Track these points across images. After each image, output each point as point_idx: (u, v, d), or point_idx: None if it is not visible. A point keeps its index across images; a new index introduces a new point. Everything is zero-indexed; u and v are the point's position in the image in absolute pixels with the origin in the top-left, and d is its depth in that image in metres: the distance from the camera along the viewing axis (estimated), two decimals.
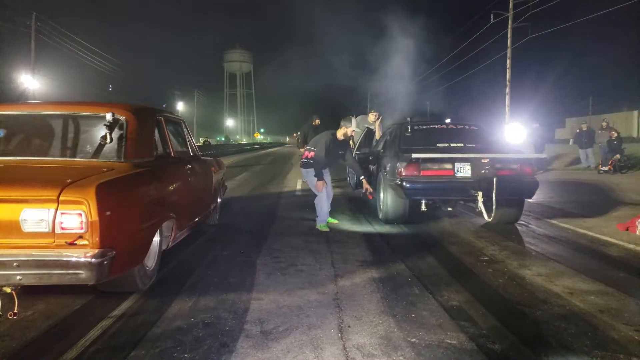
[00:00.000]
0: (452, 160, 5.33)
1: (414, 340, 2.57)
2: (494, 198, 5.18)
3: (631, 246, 4.81)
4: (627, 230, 5.44)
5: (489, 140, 6.26)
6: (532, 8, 21.42)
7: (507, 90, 23.44)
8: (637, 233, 5.28)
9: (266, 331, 2.68)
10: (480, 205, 5.38)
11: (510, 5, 23.00)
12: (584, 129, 15.99)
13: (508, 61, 23.33)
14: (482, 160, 5.23)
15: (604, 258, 4.41)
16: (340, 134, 5.76)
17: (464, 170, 5.32)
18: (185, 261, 4.23)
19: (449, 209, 6.14)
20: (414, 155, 5.17)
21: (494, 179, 5.15)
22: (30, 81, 27.39)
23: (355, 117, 7.82)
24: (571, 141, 25.70)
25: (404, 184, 5.28)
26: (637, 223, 5.38)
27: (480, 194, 5.28)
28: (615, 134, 14.99)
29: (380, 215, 6.18)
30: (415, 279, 3.70)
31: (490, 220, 5.54)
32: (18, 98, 25.89)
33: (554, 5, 19.88)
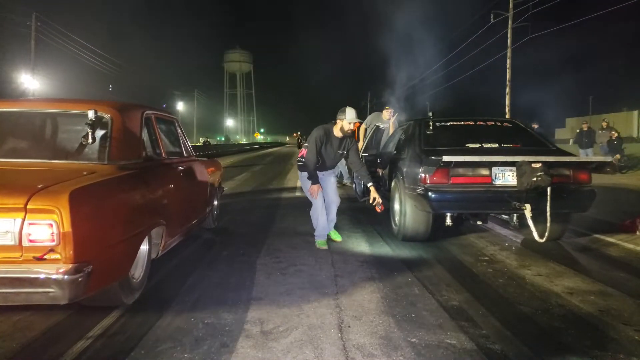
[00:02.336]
0: (489, 165, 4.34)
1: (414, 340, 2.57)
2: (547, 212, 4.21)
3: (631, 246, 4.81)
4: (627, 230, 5.44)
5: (529, 139, 5.19)
6: (532, 8, 21.44)
7: (507, 90, 23.48)
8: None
9: (266, 331, 2.68)
10: (529, 221, 4.32)
11: (510, 5, 23.03)
12: (585, 129, 15.99)
13: (508, 61, 23.37)
14: (533, 165, 4.14)
15: (603, 258, 4.41)
16: (336, 130, 4.71)
17: (503, 177, 4.34)
18: (185, 261, 4.23)
19: (479, 222, 5.04)
20: (446, 159, 4.03)
21: (549, 189, 4.16)
22: (30, 81, 27.43)
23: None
24: (571, 141, 25.71)
25: (430, 194, 4.28)
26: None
27: (528, 207, 4.25)
28: (616, 134, 15.00)
29: (396, 231, 5.23)
30: (415, 279, 3.70)
31: (542, 240, 4.38)
32: (19, 98, 25.90)
33: (554, 5, 19.89)
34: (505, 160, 4.34)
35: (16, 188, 2.38)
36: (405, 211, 4.82)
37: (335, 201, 4.94)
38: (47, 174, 2.70)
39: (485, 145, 4.90)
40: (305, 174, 4.74)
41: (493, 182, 4.37)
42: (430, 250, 4.66)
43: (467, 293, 3.37)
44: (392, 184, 5.48)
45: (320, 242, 4.79)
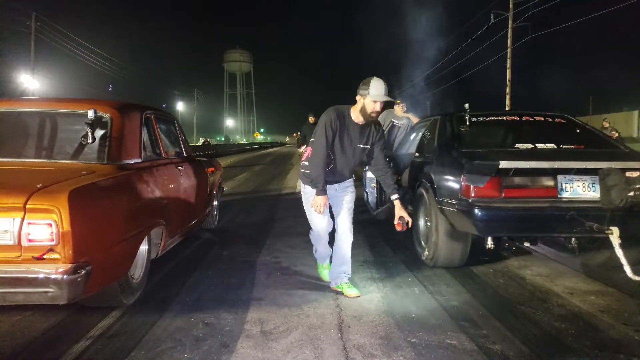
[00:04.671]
0: (554, 173, 3.38)
1: (414, 340, 2.57)
2: None
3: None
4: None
5: (593, 139, 4.16)
6: (532, 8, 21.47)
7: (508, 90, 23.49)
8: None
9: (266, 331, 2.68)
10: (618, 250, 3.16)
11: (511, 5, 23.05)
12: None
13: (508, 61, 23.39)
14: (628, 175, 3.19)
15: (604, 258, 4.40)
16: (355, 113, 3.17)
17: (571, 189, 3.38)
18: (185, 261, 4.23)
19: (527, 244, 4.03)
20: (504, 165, 3.16)
21: None
22: (30, 81, 27.46)
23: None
24: None
25: (477, 211, 3.29)
26: None
27: (615, 230, 3.14)
28: (617, 134, 15.00)
29: (423, 256, 4.17)
30: (415, 279, 3.70)
31: (638, 278, 3.19)
32: (18, 97, 25.94)
33: (554, 5, 19.91)
34: (585, 167, 3.32)
35: (15, 188, 2.37)
36: (438, 232, 3.83)
37: (346, 232, 3.38)
38: (47, 174, 2.69)
39: (540, 146, 3.88)
40: (309, 187, 3.30)
41: (559, 196, 3.38)
42: None
43: (467, 293, 3.37)
44: (417, 195, 4.39)
45: (320, 269, 3.65)
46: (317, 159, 3.14)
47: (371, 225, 5.93)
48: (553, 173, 3.39)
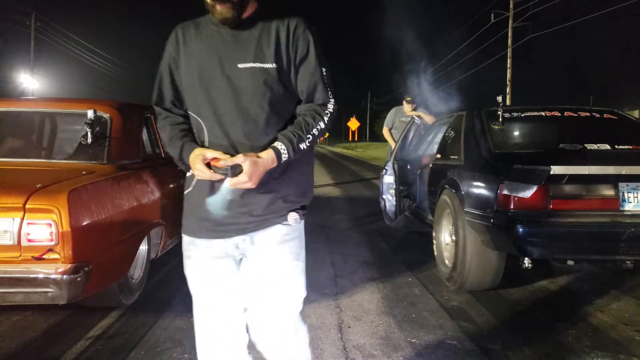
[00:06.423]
0: (615, 180, 2.85)
1: (414, 340, 2.57)
2: None
3: None
4: None
5: None
6: (532, 8, 21.48)
7: (508, 90, 23.48)
8: None
9: None
10: None
11: (511, 5, 23.04)
12: None
13: (509, 61, 23.38)
14: None
15: None
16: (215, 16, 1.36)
17: (636, 200, 2.85)
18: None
19: (570, 262, 3.15)
20: (556, 170, 2.68)
21: None
22: (30, 81, 27.47)
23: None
24: None
25: (519, 227, 2.77)
26: None
27: None
28: None
29: (445, 276, 3.59)
30: (416, 279, 3.70)
31: None
32: (18, 97, 25.97)
33: (554, 5, 19.93)
34: None
35: (15, 187, 2.38)
36: (465, 249, 3.23)
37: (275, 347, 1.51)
38: (46, 174, 2.69)
39: (590, 147, 3.29)
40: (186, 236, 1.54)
41: (621, 208, 2.83)
42: (431, 250, 4.65)
43: (467, 293, 3.37)
44: (438, 202, 3.84)
45: None
46: (161, 126, 1.51)
47: (371, 225, 5.93)
48: (614, 180, 2.86)
